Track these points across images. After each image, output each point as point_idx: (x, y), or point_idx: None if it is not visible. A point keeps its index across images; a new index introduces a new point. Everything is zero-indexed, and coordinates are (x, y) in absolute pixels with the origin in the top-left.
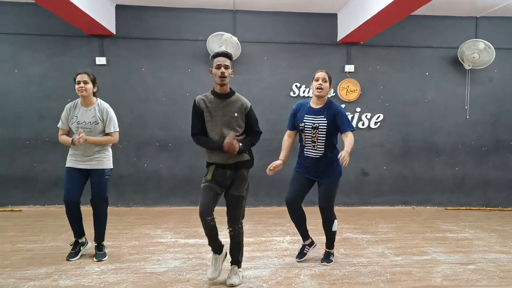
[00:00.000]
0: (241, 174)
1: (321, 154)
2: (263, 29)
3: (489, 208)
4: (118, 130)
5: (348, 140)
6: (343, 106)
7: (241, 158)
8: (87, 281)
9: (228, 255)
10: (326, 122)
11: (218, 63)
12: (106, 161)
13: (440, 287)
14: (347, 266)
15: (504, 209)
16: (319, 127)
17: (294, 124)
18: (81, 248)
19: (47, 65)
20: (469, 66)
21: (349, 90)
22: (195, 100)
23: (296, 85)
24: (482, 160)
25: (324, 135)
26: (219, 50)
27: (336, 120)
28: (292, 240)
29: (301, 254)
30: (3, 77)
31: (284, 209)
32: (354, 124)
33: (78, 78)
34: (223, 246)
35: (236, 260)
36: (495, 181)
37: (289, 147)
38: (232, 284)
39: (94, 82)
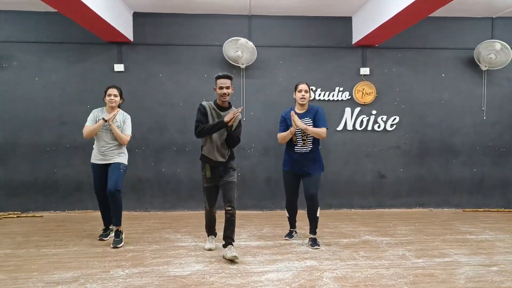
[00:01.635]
0: (230, 165)
1: (310, 149)
2: (278, 33)
3: (508, 210)
4: (130, 135)
5: (317, 129)
6: (358, 109)
7: (227, 157)
8: (113, 285)
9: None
10: (312, 122)
11: (221, 85)
12: (122, 157)
13: None
14: (369, 269)
15: None
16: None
17: (286, 127)
18: (110, 232)
19: (68, 72)
20: (486, 67)
21: (364, 93)
22: (202, 103)
23: (312, 89)
24: (500, 160)
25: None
26: (220, 73)
27: (315, 118)
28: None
29: (291, 235)
30: (26, 84)
31: (302, 212)
32: (369, 127)
33: (109, 91)
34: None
35: (230, 238)
36: None
37: None
38: (235, 256)
39: (121, 95)
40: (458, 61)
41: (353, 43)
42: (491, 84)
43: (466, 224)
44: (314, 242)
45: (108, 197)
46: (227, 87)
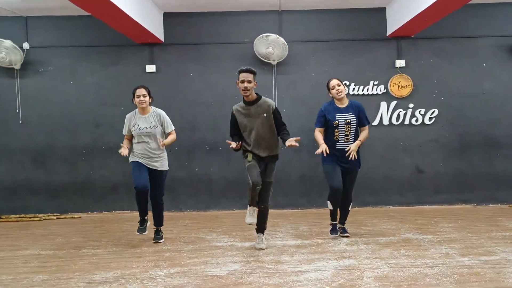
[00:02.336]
0: (272, 165)
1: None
2: (309, 28)
3: None
4: (174, 128)
5: (364, 133)
6: (394, 102)
7: (272, 152)
8: (153, 285)
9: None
10: (355, 118)
11: (242, 78)
12: (165, 164)
13: None
14: (411, 268)
15: None
16: (351, 122)
17: (325, 123)
18: (146, 224)
19: (102, 74)
20: None
21: (400, 86)
22: (232, 108)
23: (345, 83)
24: None
25: (355, 128)
26: (243, 67)
27: (359, 115)
28: (349, 242)
29: (335, 230)
30: (62, 88)
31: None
32: (406, 121)
33: (137, 92)
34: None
35: (263, 228)
36: None
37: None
38: (261, 248)
39: (149, 94)
40: (499, 49)
41: (387, 34)
42: None
43: None
44: (344, 230)
45: (151, 201)
46: (249, 81)
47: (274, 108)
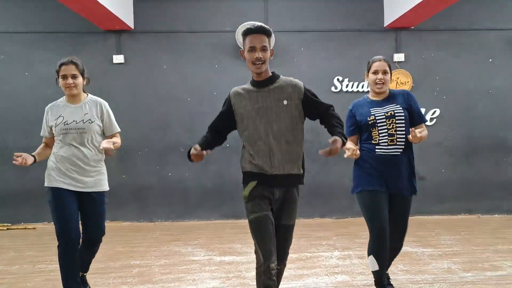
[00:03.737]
0: (292, 194)
1: (401, 151)
2: (298, 16)
3: None
4: (119, 130)
5: (423, 132)
6: None
7: (293, 169)
8: None
9: None
10: (401, 108)
11: (251, 44)
12: (104, 180)
13: None
14: (410, 284)
15: None
16: (396, 115)
17: (356, 126)
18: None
19: None
20: None
21: (399, 82)
22: (231, 90)
23: (338, 79)
24: None
25: (404, 124)
26: (250, 25)
27: (411, 106)
28: (341, 256)
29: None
30: (14, 79)
31: (329, 221)
32: None
33: (63, 70)
34: None
35: None
36: None
37: None
38: None
39: (83, 74)
40: (508, 43)
41: (385, 25)
42: None
43: None
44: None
45: (86, 245)
46: (262, 48)
47: (304, 90)
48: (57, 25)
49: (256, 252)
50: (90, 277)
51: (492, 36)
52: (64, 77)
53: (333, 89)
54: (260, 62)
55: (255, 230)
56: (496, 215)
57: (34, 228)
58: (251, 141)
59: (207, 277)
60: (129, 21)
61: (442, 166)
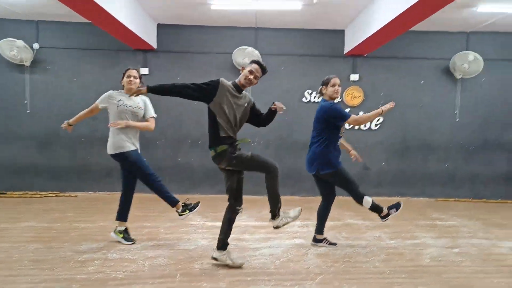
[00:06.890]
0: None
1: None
2: (280, 43)
3: (475, 200)
4: (155, 116)
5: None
6: (348, 110)
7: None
8: (130, 255)
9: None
10: None
11: (253, 71)
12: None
13: (427, 267)
14: (348, 248)
15: (489, 201)
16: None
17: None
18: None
19: (101, 74)
20: (460, 75)
21: (353, 96)
22: (221, 80)
23: (308, 92)
24: (470, 157)
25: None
26: (261, 60)
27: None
28: (302, 225)
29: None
30: (66, 84)
31: (296, 198)
32: (356, 126)
33: (129, 72)
34: None
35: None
36: (482, 176)
37: None
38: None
39: (140, 79)
40: (436, 69)
41: (344, 52)
42: (464, 90)
43: (438, 211)
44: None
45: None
46: (256, 77)
47: (253, 102)
48: (99, 44)
49: (265, 167)
50: (106, 234)
51: (423, 64)
52: (128, 76)
53: (303, 99)
54: (251, 84)
55: (257, 157)
56: (421, 198)
57: (76, 196)
58: (229, 126)
59: (198, 237)
60: (153, 43)
61: (382, 160)
